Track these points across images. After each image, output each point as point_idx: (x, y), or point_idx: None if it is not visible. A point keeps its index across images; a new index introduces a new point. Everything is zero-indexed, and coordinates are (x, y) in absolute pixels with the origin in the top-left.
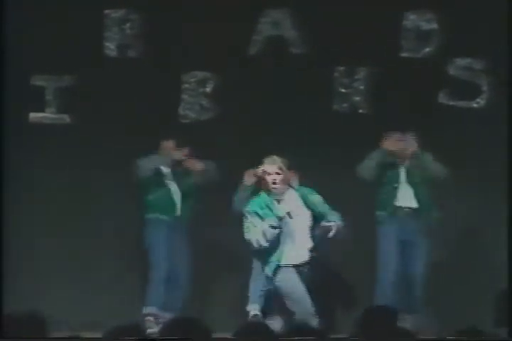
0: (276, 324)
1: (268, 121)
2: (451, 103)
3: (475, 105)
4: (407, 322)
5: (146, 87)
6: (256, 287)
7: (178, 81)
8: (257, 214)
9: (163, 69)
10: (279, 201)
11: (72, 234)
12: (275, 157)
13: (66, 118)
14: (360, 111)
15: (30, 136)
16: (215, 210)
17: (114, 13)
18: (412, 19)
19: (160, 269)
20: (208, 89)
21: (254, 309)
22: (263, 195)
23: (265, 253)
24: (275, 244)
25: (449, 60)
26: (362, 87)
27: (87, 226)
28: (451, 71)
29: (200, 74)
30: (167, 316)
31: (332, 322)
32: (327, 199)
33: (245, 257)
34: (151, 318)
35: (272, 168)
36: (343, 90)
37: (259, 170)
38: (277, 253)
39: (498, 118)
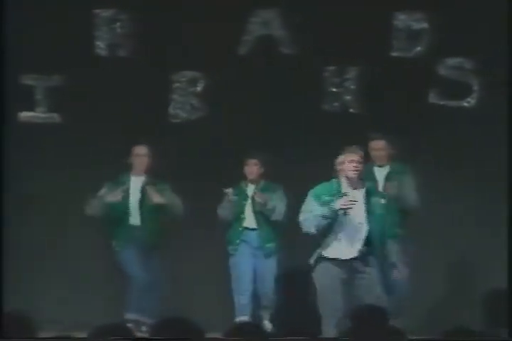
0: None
1: (259, 120)
2: (442, 102)
3: (466, 104)
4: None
5: (136, 86)
6: (241, 298)
7: (168, 80)
8: (319, 198)
9: (153, 68)
10: (353, 191)
11: (70, 234)
12: (355, 146)
13: (56, 117)
14: (351, 110)
15: (21, 135)
16: (202, 211)
17: (104, 13)
18: (402, 19)
19: (133, 281)
20: (199, 89)
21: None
22: (335, 181)
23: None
24: (325, 233)
25: (440, 59)
26: (353, 87)
27: (83, 226)
28: (442, 70)
29: (190, 74)
30: (149, 321)
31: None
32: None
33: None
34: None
35: (354, 156)
36: (333, 90)
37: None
38: (325, 243)
39: (489, 118)
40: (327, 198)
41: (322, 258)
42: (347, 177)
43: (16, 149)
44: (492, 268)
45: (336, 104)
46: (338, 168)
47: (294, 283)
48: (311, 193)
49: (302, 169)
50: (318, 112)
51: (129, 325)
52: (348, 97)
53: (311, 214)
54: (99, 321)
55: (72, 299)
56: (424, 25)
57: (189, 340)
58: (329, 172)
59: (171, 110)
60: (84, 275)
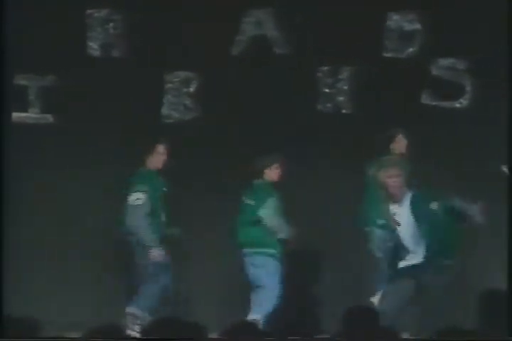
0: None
1: (252, 121)
2: (434, 103)
3: (458, 105)
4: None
5: (130, 86)
6: (258, 298)
7: (161, 81)
8: (376, 224)
9: (146, 69)
10: (397, 205)
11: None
12: (390, 158)
13: (49, 118)
14: (344, 111)
15: (17, 135)
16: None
17: (97, 13)
18: (395, 19)
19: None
20: (192, 89)
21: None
22: (380, 201)
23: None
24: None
25: (433, 60)
26: (345, 87)
27: (76, 226)
28: (435, 71)
29: (183, 74)
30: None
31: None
32: (310, 199)
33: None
34: (131, 318)
35: (392, 170)
36: (326, 90)
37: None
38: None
39: (483, 118)
40: (380, 223)
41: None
42: (388, 193)
43: (13, 149)
44: (492, 268)
45: (329, 104)
46: (381, 181)
47: (298, 284)
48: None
49: (293, 169)
50: (312, 113)
51: (128, 317)
52: (341, 98)
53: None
54: (99, 321)
55: (70, 299)
56: (417, 25)
57: (190, 340)
58: (324, 172)
59: (165, 110)
60: (83, 275)
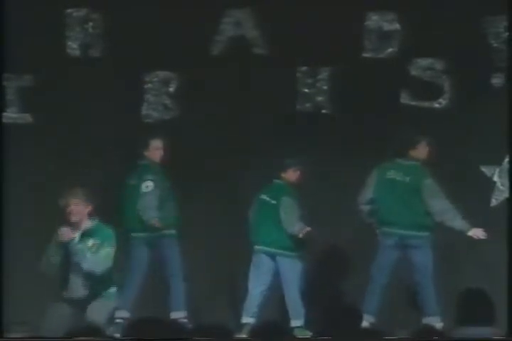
0: None
1: (231, 121)
2: (413, 103)
3: (437, 105)
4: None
5: (109, 86)
6: (252, 301)
7: (141, 80)
8: None
9: (125, 68)
10: None
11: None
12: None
13: (28, 117)
14: (323, 111)
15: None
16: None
17: (76, 12)
18: (374, 19)
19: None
20: (171, 89)
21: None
22: None
23: None
24: None
25: (412, 60)
26: (325, 87)
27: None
28: (413, 71)
29: (162, 74)
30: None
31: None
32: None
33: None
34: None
35: None
36: (306, 90)
37: None
38: None
39: (460, 119)
40: None
41: None
42: None
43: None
44: (492, 268)
45: (308, 104)
46: None
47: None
48: None
49: (272, 169)
50: (291, 113)
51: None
52: (321, 98)
53: None
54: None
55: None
56: (396, 25)
57: (189, 340)
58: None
59: (144, 110)
60: None
